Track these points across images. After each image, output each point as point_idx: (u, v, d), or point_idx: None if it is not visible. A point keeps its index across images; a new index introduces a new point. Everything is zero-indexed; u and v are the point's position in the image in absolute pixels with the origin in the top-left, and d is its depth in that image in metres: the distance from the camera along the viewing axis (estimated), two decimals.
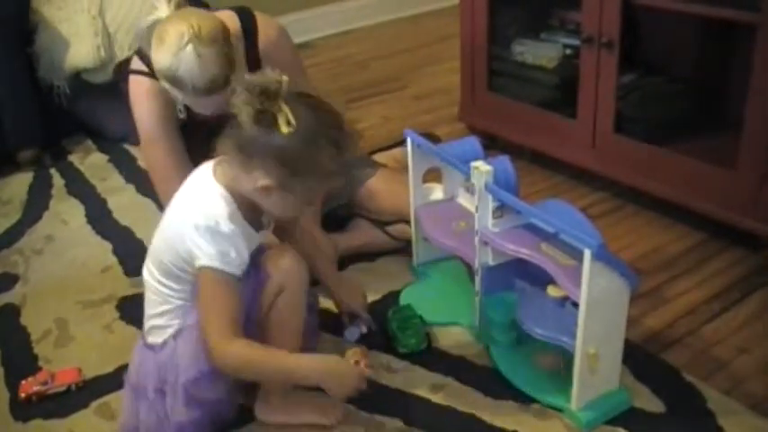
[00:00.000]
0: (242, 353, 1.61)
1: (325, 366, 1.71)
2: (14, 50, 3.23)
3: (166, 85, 1.98)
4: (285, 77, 1.55)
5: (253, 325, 1.71)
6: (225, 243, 1.60)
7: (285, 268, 1.75)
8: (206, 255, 1.59)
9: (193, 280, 1.66)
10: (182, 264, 1.65)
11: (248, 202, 1.66)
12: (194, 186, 1.70)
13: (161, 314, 1.72)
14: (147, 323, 1.76)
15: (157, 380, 1.71)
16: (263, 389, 1.82)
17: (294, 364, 1.68)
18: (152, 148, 2.24)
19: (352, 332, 2.08)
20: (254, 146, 1.57)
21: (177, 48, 1.88)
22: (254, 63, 2.23)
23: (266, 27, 2.26)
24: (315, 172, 1.60)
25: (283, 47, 2.31)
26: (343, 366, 1.74)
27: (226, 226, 1.60)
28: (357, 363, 1.79)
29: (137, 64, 2.20)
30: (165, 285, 1.70)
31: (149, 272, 1.74)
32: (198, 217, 1.60)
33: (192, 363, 1.66)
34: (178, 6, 1.97)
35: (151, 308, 1.75)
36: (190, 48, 1.87)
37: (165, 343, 1.71)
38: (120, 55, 3.37)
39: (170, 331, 1.71)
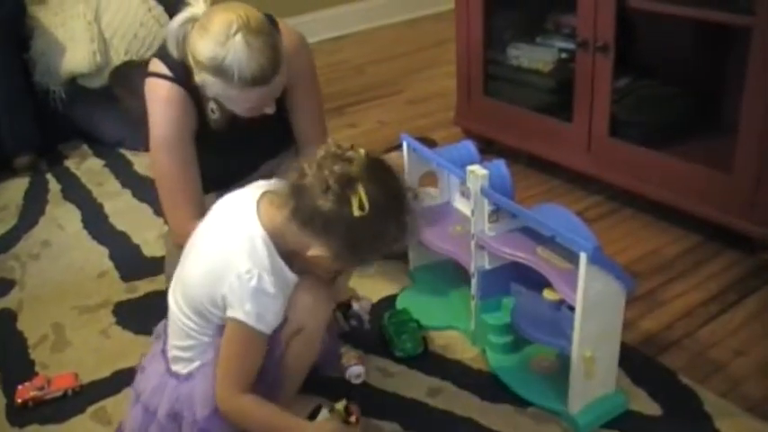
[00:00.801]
0: (248, 408, 1.61)
1: None
2: (10, 55, 3.23)
3: (207, 77, 1.93)
4: (363, 152, 1.53)
5: (267, 359, 1.67)
6: (266, 304, 1.57)
7: (307, 308, 1.67)
8: (243, 310, 1.56)
9: (220, 322, 1.63)
10: (213, 306, 1.61)
11: (287, 251, 1.61)
12: (235, 222, 1.63)
13: (185, 348, 1.68)
14: (171, 351, 1.72)
15: (172, 407, 1.68)
16: None
17: (295, 428, 1.65)
18: (163, 155, 2.13)
19: (354, 371, 1.98)
20: (321, 218, 1.52)
21: (225, 36, 1.84)
22: None
23: (289, 34, 2.26)
24: (375, 253, 1.60)
25: (303, 55, 2.30)
26: None
27: (271, 286, 1.56)
28: (349, 417, 1.76)
29: (157, 66, 2.16)
30: (191, 320, 1.66)
31: (176, 301, 1.69)
32: (241, 264, 1.55)
33: (209, 400, 1.64)
34: (213, 2, 1.94)
35: (175, 338, 1.70)
36: (239, 36, 1.84)
37: (189, 375, 1.68)
38: (116, 60, 3.37)
39: (195, 365, 1.68)
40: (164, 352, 1.74)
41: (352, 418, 1.74)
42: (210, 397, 1.64)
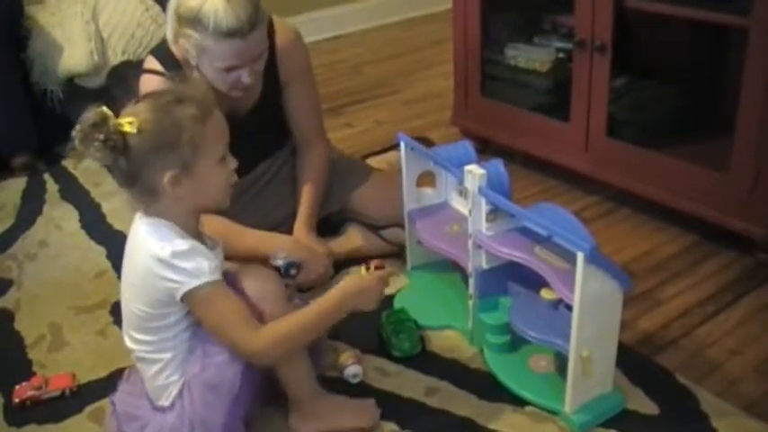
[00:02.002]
0: (274, 334, 1.64)
1: (348, 292, 1.75)
2: (8, 55, 3.23)
3: (187, 33, 1.98)
4: (102, 109, 1.56)
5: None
6: (192, 258, 1.58)
7: (256, 295, 1.70)
8: (183, 281, 1.58)
9: (174, 323, 1.65)
10: (159, 309, 1.63)
11: (186, 225, 1.65)
12: (135, 236, 1.67)
13: (156, 374, 1.68)
14: (147, 387, 1.72)
15: None
16: (291, 399, 1.79)
17: (321, 310, 1.71)
18: None
19: (351, 371, 1.97)
20: (133, 165, 1.58)
21: None
22: (272, 62, 2.25)
23: (283, 30, 2.28)
24: (182, 128, 1.57)
25: (298, 50, 2.34)
26: (362, 283, 1.78)
27: (182, 244, 1.59)
28: (371, 268, 1.86)
29: (151, 63, 2.19)
30: (146, 344, 1.67)
31: (130, 338, 1.71)
32: (154, 252, 1.58)
33: (207, 412, 1.64)
34: None
35: (145, 372, 1.71)
36: None
37: (173, 405, 1.68)
38: (114, 60, 3.37)
39: (174, 391, 1.68)
40: (146, 392, 1.75)
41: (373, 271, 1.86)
42: (208, 407, 1.64)
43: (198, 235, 1.70)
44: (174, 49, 2.17)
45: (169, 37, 2.12)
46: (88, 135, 1.53)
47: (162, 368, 1.68)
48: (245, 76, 2.07)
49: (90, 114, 1.54)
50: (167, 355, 1.67)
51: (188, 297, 1.60)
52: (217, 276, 1.61)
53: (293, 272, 2.04)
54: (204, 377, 1.64)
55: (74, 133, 1.54)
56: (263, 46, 2.07)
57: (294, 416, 1.80)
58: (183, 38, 2.03)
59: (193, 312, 1.64)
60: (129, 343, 1.72)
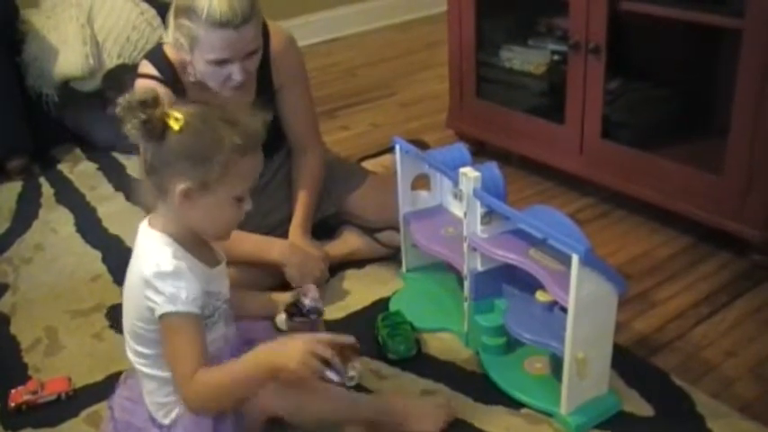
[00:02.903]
0: (204, 381, 1.56)
1: (274, 348, 1.61)
2: (3, 59, 3.23)
3: (180, 23, 1.99)
4: (160, 89, 1.56)
5: None
6: (173, 283, 1.55)
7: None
8: (159, 303, 1.55)
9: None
10: (148, 325, 1.61)
11: (190, 237, 1.63)
12: (136, 246, 1.66)
13: (155, 390, 1.66)
14: (148, 401, 1.70)
15: None
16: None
17: (250, 362, 1.58)
18: None
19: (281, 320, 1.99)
20: (157, 159, 1.56)
21: None
22: (266, 66, 2.26)
23: (277, 33, 2.29)
24: (219, 150, 1.54)
25: (292, 54, 2.35)
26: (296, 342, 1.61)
27: (168, 265, 1.55)
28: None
29: (146, 68, 2.19)
30: (142, 356, 1.65)
31: (130, 349, 1.69)
32: (144, 270, 1.56)
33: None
34: None
35: (145, 386, 1.69)
36: None
37: (174, 424, 1.65)
38: (109, 63, 3.36)
39: (176, 410, 1.65)
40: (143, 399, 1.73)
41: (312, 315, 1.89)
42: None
43: (200, 248, 1.66)
44: (168, 52, 2.18)
45: (169, 34, 2.12)
46: (133, 109, 1.50)
47: (160, 385, 1.65)
48: (236, 73, 2.07)
49: (143, 91, 1.53)
50: (165, 373, 1.63)
51: (161, 319, 1.57)
52: (192, 308, 1.56)
53: (313, 316, 1.99)
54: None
55: (120, 100, 1.52)
56: (255, 43, 2.08)
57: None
58: (179, 30, 2.04)
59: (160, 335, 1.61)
60: (128, 353, 1.71)
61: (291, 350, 1.55)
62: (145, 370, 1.66)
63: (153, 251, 1.59)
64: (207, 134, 1.55)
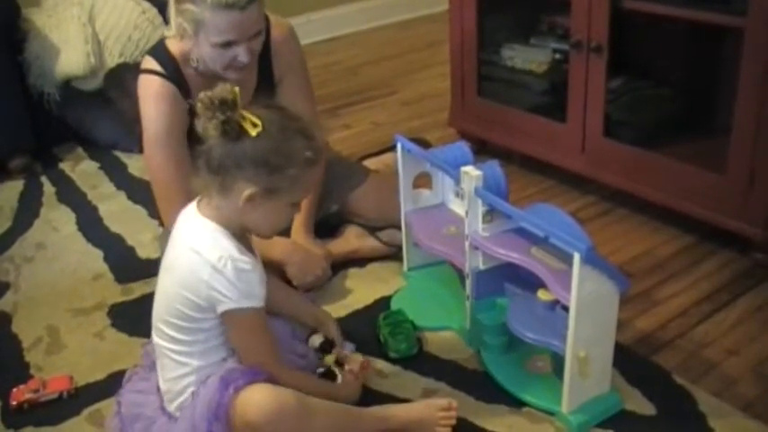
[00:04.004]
0: (296, 381, 1.68)
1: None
2: (4, 58, 3.23)
3: (185, 8, 1.99)
4: (236, 89, 1.55)
5: None
6: (247, 280, 1.59)
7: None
8: (230, 298, 1.59)
9: (208, 327, 1.65)
10: (199, 312, 1.62)
11: (240, 231, 1.66)
12: (187, 231, 1.67)
13: (177, 378, 1.68)
14: (165, 387, 1.71)
15: None
16: None
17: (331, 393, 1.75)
18: (156, 150, 2.17)
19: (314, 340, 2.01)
20: (229, 159, 1.57)
21: None
22: (267, 57, 2.26)
23: (278, 25, 2.30)
24: (292, 162, 1.59)
25: (293, 46, 2.35)
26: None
27: (243, 261, 1.59)
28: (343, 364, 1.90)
29: (149, 63, 2.19)
30: (178, 342, 1.66)
31: (160, 333, 1.69)
32: (210, 258, 1.58)
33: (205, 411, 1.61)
34: None
35: (168, 371, 1.70)
36: None
37: (180, 412, 1.67)
38: (111, 62, 3.36)
39: (184, 397, 1.67)
40: (158, 389, 1.74)
41: (349, 367, 1.87)
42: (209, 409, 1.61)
43: (246, 246, 1.68)
44: (170, 46, 2.17)
45: (171, 24, 2.12)
46: (213, 107, 1.52)
47: (184, 374, 1.67)
48: (242, 55, 2.07)
49: (224, 90, 1.53)
50: (191, 364, 1.66)
51: (228, 314, 1.60)
52: (257, 304, 1.62)
53: (328, 347, 1.99)
54: (191, 407, 1.63)
55: (201, 95, 1.54)
56: (260, 23, 2.08)
57: None
58: (182, 16, 2.03)
59: (227, 326, 1.64)
60: (156, 337, 1.71)
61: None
62: (177, 357, 1.67)
63: (213, 241, 1.61)
64: (283, 145, 1.58)
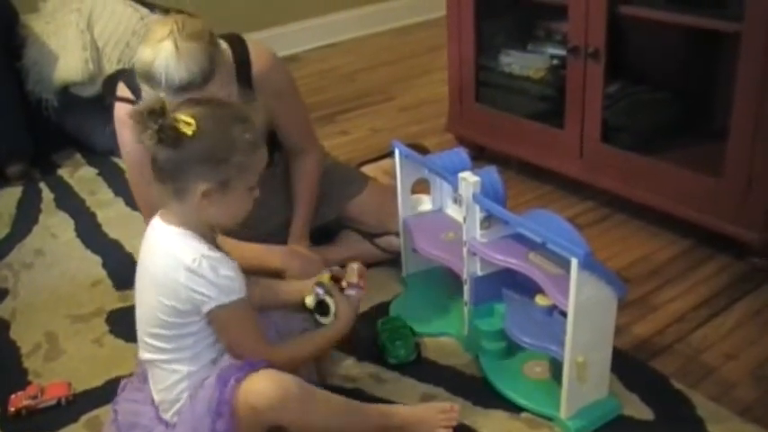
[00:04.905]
0: (289, 352, 1.76)
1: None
2: (3, 64, 3.23)
3: (144, 86, 1.94)
4: (162, 95, 1.58)
5: None
6: (225, 275, 1.60)
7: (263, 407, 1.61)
8: (211, 297, 1.60)
9: (194, 332, 1.65)
10: (184, 317, 1.62)
11: (206, 232, 1.67)
12: (155, 243, 1.67)
13: (171, 387, 1.67)
14: (158, 398, 1.71)
15: None
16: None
17: (324, 338, 1.84)
18: (130, 172, 2.30)
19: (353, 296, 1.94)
20: (175, 164, 1.58)
21: (157, 41, 1.85)
22: (248, 86, 2.24)
23: (259, 56, 2.22)
24: (236, 149, 1.59)
25: (276, 74, 2.28)
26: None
27: (216, 258, 1.61)
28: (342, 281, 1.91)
29: (122, 91, 2.18)
30: (164, 351, 1.66)
31: (146, 347, 1.69)
32: (184, 261, 1.59)
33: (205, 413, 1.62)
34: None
35: (159, 382, 1.70)
36: (168, 41, 1.84)
37: (175, 415, 1.67)
38: (109, 68, 3.37)
39: (182, 401, 1.66)
40: (152, 401, 1.73)
41: (345, 283, 1.89)
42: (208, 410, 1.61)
43: (213, 245, 1.69)
44: None
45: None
46: (143, 119, 1.53)
47: (176, 382, 1.66)
48: None
49: (150, 100, 1.55)
50: (182, 371, 1.66)
51: (213, 312, 1.61)
52: (245, 294, 1.64)
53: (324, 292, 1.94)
54: (188, 413, 1.63)
55: (130, 111, 1.55)
56: (225, 91, 2.00)
57: None
58: (145, 91, 1.99)
59: (213, 325, 1.65)
60: (143, 352, 1.71)
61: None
62: (165, 366, 1.67)
63: (182, 245, 1.62)
64: (222, 135, 1.59)
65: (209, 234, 1.68)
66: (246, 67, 2.18)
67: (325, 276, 1.90)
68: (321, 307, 1.88)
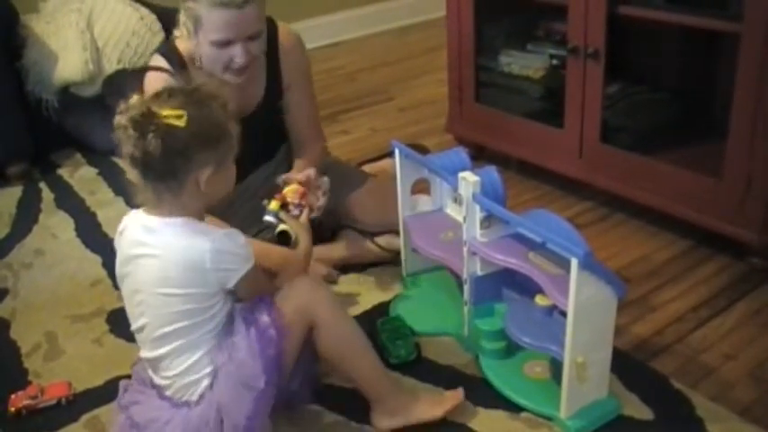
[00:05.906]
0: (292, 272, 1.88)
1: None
2: (3, 64, 3.23)
3: (188, 5, 2.04)
4: (140, 98, 1.59)
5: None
6: (242, 243, 1.65)
7: (304, 302, 1.76)
8: (237, 270, 1.64)
9: (214, 315, 1.67)
10: (208, 302, 1.65)
11: (200, 215, 1.70)
12: (159, 240, 1.64)
13: (188, 370, 1.67)
14: (172, 387, 1.69)
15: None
16: (372, 398, 1.82)
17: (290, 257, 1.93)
18: None
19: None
20: (176, 158, 1.58)
21: None
22: (276, 62, 2.31)
23: (286, 34, 2.35)
24: (224, 124, 1.64)
25: (299, 53, 2.40)
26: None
27: (226, 232, 1.65)
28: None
29: (157, 61, 2.23)
30: (180, 340, 1.66)
31: (156, 344, 1.68)
32: (203, 246, 1.60)
33: (233, 402, 1.64)
34: None
35: (171, 370, 1.68)
36: None
37: (201, 398, 1.67)
38: (109, 68, 3.37)
39: (204, 382, 1.67)
40: (160, 395, 1.72)
41: (291, 206, 2.00)
42: (238, 395, 1.64)
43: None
44: (179, 44, 2.21)
45: (180, 24, 2.15)
46: (139, 125, 1.54)
47: (195, 362, 1.67)
48: (238, 56, 2.09)
49: (133, 108, 1.56)
50: (202, 350, 1.67)
51: (239, 283, 1.65)
52: (252, 258, 1.69)
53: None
54: (230, 368, 1.65)
55: (123, 121, 1.56)
56: (258, 26, 2.11)
57: (377, 414, 1.82)
58: (186, 13, 2.08)
59: (238, 291, 1.69)
60: (149, 351, 1.70)
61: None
62: (181, 355, 1.67)
63: (198, 231, 1.63)
64: (209, 115, 1.62)
65: (203, 216, 1.71)
66: (274, 41, 2.27)
67: (273, 204, 1.98)
68: (284, 237, 1.96)
